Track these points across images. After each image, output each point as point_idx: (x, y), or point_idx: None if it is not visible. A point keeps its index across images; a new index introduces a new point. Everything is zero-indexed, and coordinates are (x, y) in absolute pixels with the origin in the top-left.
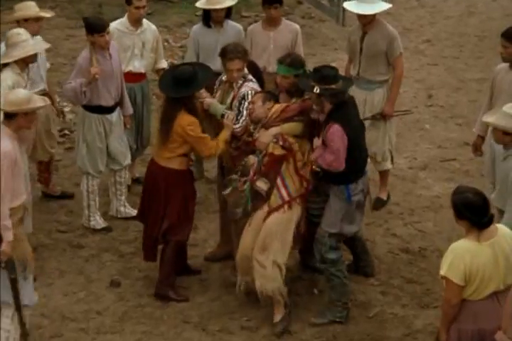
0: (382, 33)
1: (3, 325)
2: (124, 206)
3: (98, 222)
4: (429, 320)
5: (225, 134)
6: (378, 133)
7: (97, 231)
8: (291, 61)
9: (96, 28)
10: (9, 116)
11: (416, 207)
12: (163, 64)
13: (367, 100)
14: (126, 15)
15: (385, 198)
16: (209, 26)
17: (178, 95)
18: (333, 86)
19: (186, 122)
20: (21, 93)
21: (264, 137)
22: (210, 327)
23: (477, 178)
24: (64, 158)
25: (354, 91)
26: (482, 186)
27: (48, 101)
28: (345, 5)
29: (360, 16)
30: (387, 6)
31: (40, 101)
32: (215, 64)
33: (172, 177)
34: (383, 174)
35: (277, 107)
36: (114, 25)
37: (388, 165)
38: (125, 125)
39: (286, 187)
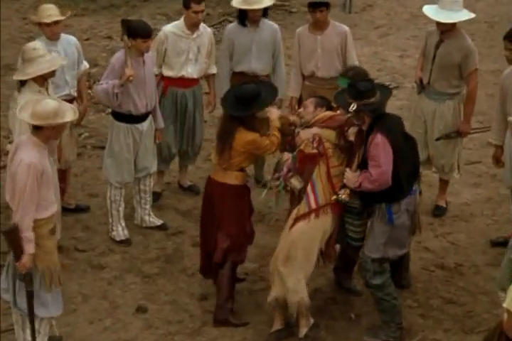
0: (458, 45)
1: (28, 337)
2: (149, 215)
3: (119, 233)
4: None
5: (273, 126)
6: (447, 148)
7: (117, 250)
8: (354, 74)
9: (142, 33)
10: (37, 128)
11: (446, 216)
12: (214, 69)
13: (436, 111)
14: (182, 19)
15: (444, 205)
16: (244, 25)
17: (236, 113)
18: (372, 99)
19: (247, 140)
20: (49, 105)
21: (304, 134)
22: None
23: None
24: (74, 165)
25: (423, 101)
26: (509, 190)
27: (78, 114)
28: (425, 9)
29: (439, 23)
30: (469, 15)
31: (69, 115)
32: (250, 64)
33: (226, 193)
34: (444, 183)
35: (327, 113)
36: (169, 29)
37: (455, 175)
38: (156, 139)
39: (315, 193)
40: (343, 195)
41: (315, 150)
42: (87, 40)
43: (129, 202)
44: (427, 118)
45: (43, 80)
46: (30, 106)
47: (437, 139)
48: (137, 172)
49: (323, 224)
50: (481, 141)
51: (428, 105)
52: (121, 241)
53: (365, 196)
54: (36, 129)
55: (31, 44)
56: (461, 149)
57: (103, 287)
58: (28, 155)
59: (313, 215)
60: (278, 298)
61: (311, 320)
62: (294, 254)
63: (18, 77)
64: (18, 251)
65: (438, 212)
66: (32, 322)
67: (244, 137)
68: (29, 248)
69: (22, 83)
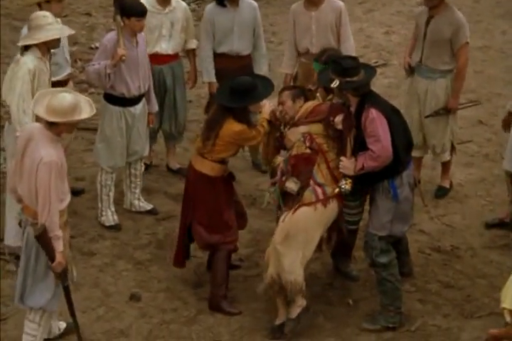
0: (448, 19)
1: (27, 330)
2: (139, 199)
3: (109, 218)
4: (476, 332)
5: (262, 117)
6: (438, 127)
7: (107, 236)
8: (327, 58)
9: (137, 12)
10: (51, 123)
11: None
12: (193, 44)
13: (429, 90)
14: None
15: (447, 186)
16: (224, 5)
17: (229, 105)
18: (355, 78)
19: (234, 130)
20: (66, 100)
21: (292, 135)
22: None
23: (498, 162)
24: None
25: (416, 79)
26: (502, 171)
27: (94, 107)
28: None
29: None
30: None
31: (86, 110)
32: (232, 45)
33: (200, 182)
34: (445, 164)
35: (307, 106)
36: None
37: (447, 157)
38: (149, 122)
39: (320, 186)
40: (346, 185)
41: (308, 150)
42: (65, 16)
43: (116, 185)
44: (420, 97)
45: (46, 49)
46: (46, 100)
47: (426, 116)
48: (128, 156)
49: (329, 214)
50: (471, 119)
51: (421, 84)
52: (110, 227)
53: (366, 178)
54: (50, 124)
55: (41, 12)
56: (454, 129)
57: (94, 274)
58: (47, 153)
59: (320, 204)
60: (273, 276)
61: (304, 302)
62: (293, 234)
63: (25, 42)
64: (51, 252)
65: (440, 192)
66: (73, 316)
67: (232, 127)
68: (60, 245)
69: (25, 48)
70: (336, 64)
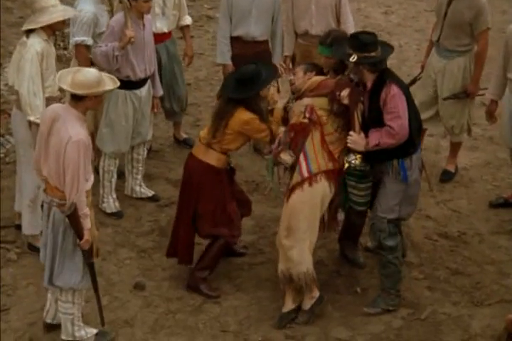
0: (469, 3)
1: (62, 310)
2: (140, 185)
3: (110, 205)
4: (486, 320)
5: (275, 117)
6: (457, 108)
7: (108, 223)
8: (332, 41)
9: None
10: (78, 98)
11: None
12: (187, 20)
13: (446, 69)
14: None
15: (453, 170)
16: None
17: (239, 96)
18: (373, 53)
19: (244, 119)
20: (91, 74)
21: (297, 107)
22: (252, 337)
23: (502, 146)
24: None
25: (434, 57)
26: (508, 155)
27: (117, 82)
28: None
29: None
30: None
31: (110, 83)
32: (249, 29)
33: (206, 172)
34: (455, 146)
35: (314, 80)
36: None
37: (465, 137)
38: (153, 107)
39: (307, 162)
40: (356, 161)
41: (306, 120)
42: None
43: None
44: (437, 76)
45: (51, 31)
46: (69, 75)
47: (445, 99)
48: (131, 139)
49: (320, 192)
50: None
51: (438, 62)
52: (112, 214)
53: (376, 155)
54: (76, 100)
55: None
56: (471, 109)
57: (97, 263)
58: (76, 132)
59: (306, 184)
60: (283, 271)
61: (317, 293)
62: (295, 225)
63: (29, 26)
64: (80, 230)
65: (446, 177)
66: (97, 292)
67: (242, 116)
68: (88, 223)
69: (30, 30)
70: (354, 39)
